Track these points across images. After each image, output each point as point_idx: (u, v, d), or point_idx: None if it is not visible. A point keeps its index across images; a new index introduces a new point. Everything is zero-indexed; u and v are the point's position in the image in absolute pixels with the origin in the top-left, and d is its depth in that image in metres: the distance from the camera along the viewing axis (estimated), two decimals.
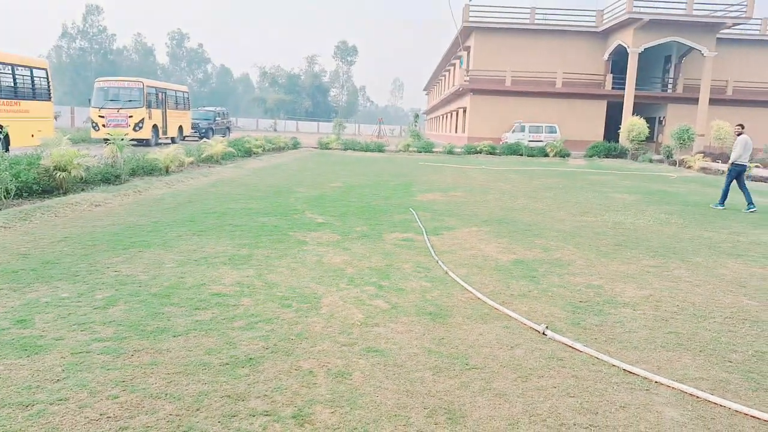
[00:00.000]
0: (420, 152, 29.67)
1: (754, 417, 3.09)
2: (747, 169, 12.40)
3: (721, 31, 34.00)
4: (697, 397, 3.29)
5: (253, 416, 2.89)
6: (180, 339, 3.81)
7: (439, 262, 6.23)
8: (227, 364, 3.47)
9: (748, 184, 13.39)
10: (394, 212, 9.57)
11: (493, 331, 4.24)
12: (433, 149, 30.69)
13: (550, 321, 4.48)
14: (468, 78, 37.51)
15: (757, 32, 37.05)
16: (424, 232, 7.84)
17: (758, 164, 22.41)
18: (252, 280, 5.24)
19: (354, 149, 29.80)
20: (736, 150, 12.14)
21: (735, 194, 13.94)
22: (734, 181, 12.19)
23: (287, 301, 4.67)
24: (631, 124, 29.57)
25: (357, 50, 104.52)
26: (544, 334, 4.18)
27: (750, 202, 11.76)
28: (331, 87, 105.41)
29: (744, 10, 32.23)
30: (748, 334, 4.40)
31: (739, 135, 12.30)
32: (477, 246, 7.21)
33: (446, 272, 5.84)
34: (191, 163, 15.94)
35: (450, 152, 29.37)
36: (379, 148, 29.68)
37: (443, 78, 56.52)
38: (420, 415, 2.97)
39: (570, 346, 3.97)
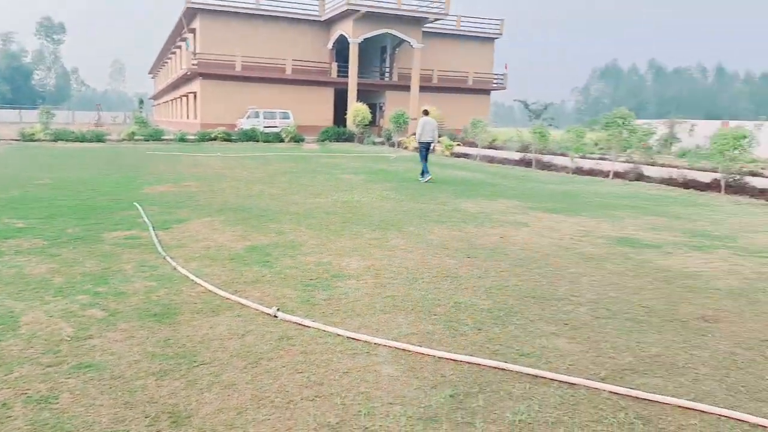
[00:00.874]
0: (147, 140, 27.54)
1: (453, 360, 3.58)
2: (431, 145, 14.31)
3: (426, 25, 38.50)
4: (409, 351, 3.70)
5: None
6: None
7: (167, 257, 5.87)
8: None
9: (450, 160, 15.49)
10: (115, 209, 8.71)
11: (225, 322, 4.15)
12: (163, 137, 28.79)
13: (282, 303, 4.56)
14: (196, 61, 35.93)
15: (453, 27, 42.88)
16: (151, 228, 7.30)
17: (459, 142, 26.12)
18: None
19: (67, 140, 26.25)
20: (417, 131, 14.20)
21: (442, 169, 16.01)
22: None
23: None
24: (356, 109, 31.81)
25: (65, 28, 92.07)
26: (275, 316, 4.23)
27: (424, 173, 13.79)
28: (35, 69, 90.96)
29: (443, 7, 36.95)
30: (449, 288, 5.10)
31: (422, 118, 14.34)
32: (210, 237, 6.99)
33: (175, 268, 5.53)
34: None
35: (182, 140, 27.88)
36: (99, 138, 26.69)
37: (170, 61, 53.23)
38: (140, 425, 2.75)
39: (300, 324, 4.10)
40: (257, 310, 4.39)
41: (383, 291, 4.96)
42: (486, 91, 44.29)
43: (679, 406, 3.08)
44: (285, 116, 34.76)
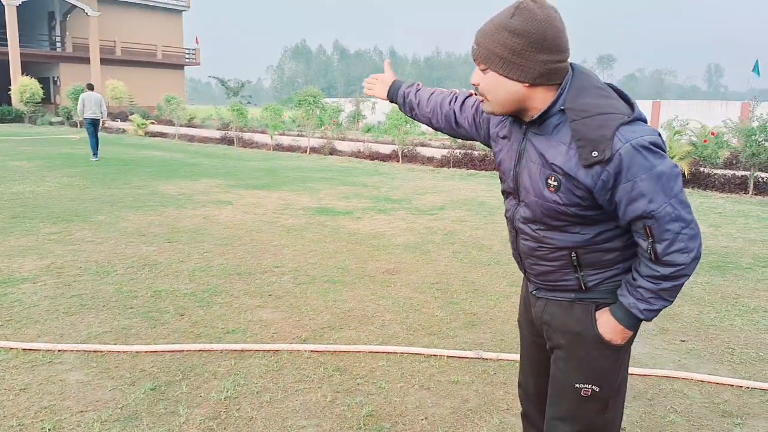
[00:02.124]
0: None
1: (153, 352, 3.37)
2: (99, 122, 13.79)
3: None
4: (101, 351, 3.35)
5: None
6: None
7: None
8: None
9: (145, 140, 14.37)
10: None
11: None
12: None
13: None
14: None
15: None
16: None
17: (153, 121, 24.44)
18: None
19: None
20: (78, 107, 13.69)
21: (137, 150, 14.85)
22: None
23: None
24: (23, 85, 27.17)
25: None
26: None
27: (95, 153, 13.47)
28: None
29: None
30: (147, 277, 4.78)
31: (84, 93, 13.77)
32: None
33: None
34: None
35: None
36: None
37: None
38: None
39: None
40: None
41: (68, 291, 4.38)
42: (179, 67, 42.19)
43: (370, 352, 3.46)
44: None
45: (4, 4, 29.84)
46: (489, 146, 1.82)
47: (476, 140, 1.91)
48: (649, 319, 1.55)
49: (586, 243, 1.55)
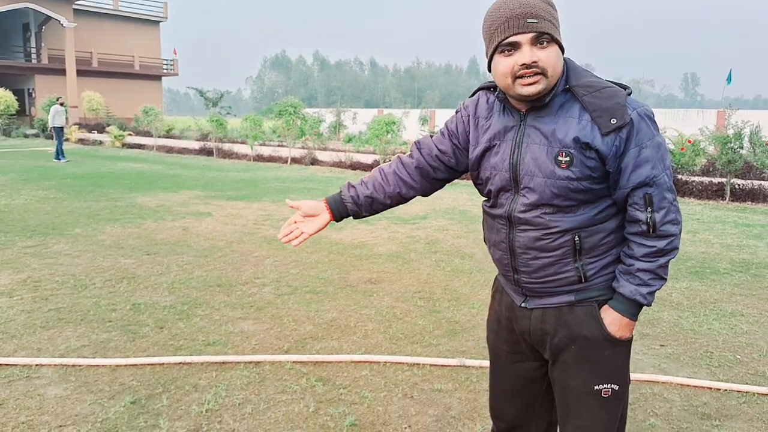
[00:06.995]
0: None
1: (133, 365, 3.32)
2: (63, 130, 17.29)
3: (79, 3, 34.26)
4: (80, 365, 3.30)
5: None
6: None
7: None
8: None
9: (122, 151, 14.18)
10: None
11: None
12: None
13: None
14: None
15: (111, 7, 39.07)
16: None
17: (131, 132, 24.21)
18: None
19: None
20: (49, 117, 17.53)
21: (114, 162, 14.67)
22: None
23: None
24: None
25: None
26: None
27: (60, 154, 16.16)
28: None
29: None
30: (126, 290, 4.71)
31: (54, 106, 17.49)
32: None
33: None
34: None
35: None
36: None
37: None
38: None
39: None
40: None
41: (44, 305, 4.30)
42: (157, 77, 41.81)
43: (352, 361, 3.44)
44: None
45: None
46: (469, 170, 1.74)
47: (458, 171, 1.80)
48: (649, 304, 1.58)
49: (589, 222, 1.56)
